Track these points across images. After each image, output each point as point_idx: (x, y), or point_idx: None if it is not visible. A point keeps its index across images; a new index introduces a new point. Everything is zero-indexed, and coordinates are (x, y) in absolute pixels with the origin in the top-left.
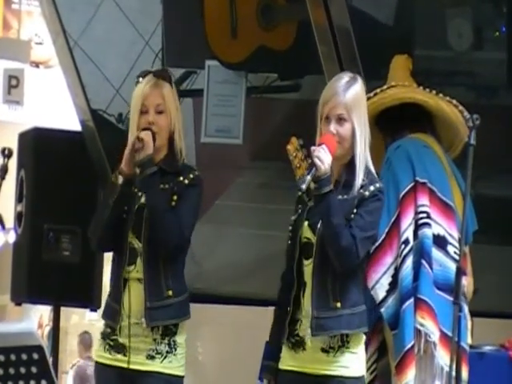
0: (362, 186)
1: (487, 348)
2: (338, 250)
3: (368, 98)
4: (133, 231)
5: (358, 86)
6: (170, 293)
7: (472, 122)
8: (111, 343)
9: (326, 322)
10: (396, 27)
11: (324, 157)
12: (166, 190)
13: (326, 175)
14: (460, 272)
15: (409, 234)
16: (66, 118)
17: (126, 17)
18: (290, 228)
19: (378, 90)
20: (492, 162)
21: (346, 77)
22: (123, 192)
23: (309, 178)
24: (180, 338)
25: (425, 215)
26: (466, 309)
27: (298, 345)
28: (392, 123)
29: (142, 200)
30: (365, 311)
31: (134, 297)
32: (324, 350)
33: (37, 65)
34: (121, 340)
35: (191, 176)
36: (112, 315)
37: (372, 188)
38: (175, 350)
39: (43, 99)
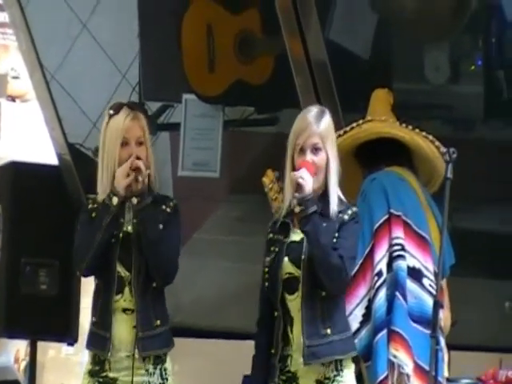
0: (340, 211)
1: (464, 381)
2: (329, 269)
3: (344, 132)
4: (119, 260)
5: (328, 118)
6: (159, 322)
7: (449, 155)
8: (100, 380)
9: (318, 350)
10: (373, 60)
11: (306, 177)
12: None
13: (310, 196)
14: (437, 305)
15: (382, 265)
16: (43, 151)
17: (102, 50)
18: (267, 269)
19: (355, 124)
20: (469, 194)
21: (315, 109)
22: (117, 214)
23: (297, 195)
24: (169, 366)
25: (399, 247)
26: (442, 342)
27: (290, 381)
28: (369, 156)
29: (128, 228)
30: (351, 337)
31: (124, 329)
32: (319, 382)
33: (13, 99)
34: (111, 375)
35: (171, 204)
36: (101, 344)
37: (350, 212)
38: (167, 380)
39: (20, 133)
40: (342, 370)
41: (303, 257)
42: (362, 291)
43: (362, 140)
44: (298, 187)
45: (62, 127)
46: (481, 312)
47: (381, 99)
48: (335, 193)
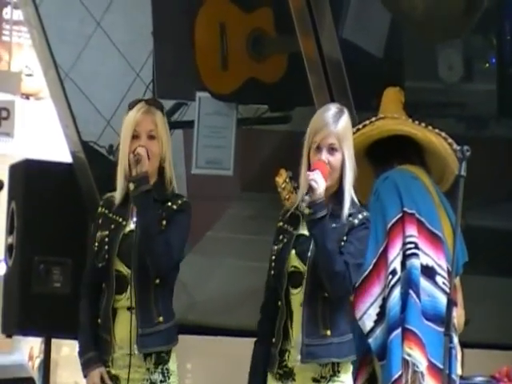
0: (350, 215)
1: (478, 379)
2: (332, 276)
3: (357, 130)
4: (120, 258)
5: (347, 118)
6: (161, 319)
7: (462, 153)
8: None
9: (315, 350)
10: (386, 59)
11: (319, 181)
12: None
13: (320, 200)
14: (451, 303)
15: (396, 264)
16: (57, 149)
17: (116, 48)
18: (273, 258)
19: (367, 122)
20: (482, 192)
21: (334, 108)
22: (120, 213)
23: (307, 197)
24: (172, 366)
25: (413, 245)
26: (455, 340)
27: (287, 376)
28: (381, 154)
29: (129, 227)
30: (352, 340)
31: (125, 327)
32: (315, 380)
33: (27, 97)
34: (113, 372)
35: (179, 202)
36: (104, 347)
37: (360, 216)
38: (168, 378)
39: (34, 131)
40: (338, 371)
41: (309, 254)
42: (376, 290)
43: (375, 138)
44: (310, 189)
45: (76, 125)
46: (494, 310)
47: (392, 98)
48: (349, 195)
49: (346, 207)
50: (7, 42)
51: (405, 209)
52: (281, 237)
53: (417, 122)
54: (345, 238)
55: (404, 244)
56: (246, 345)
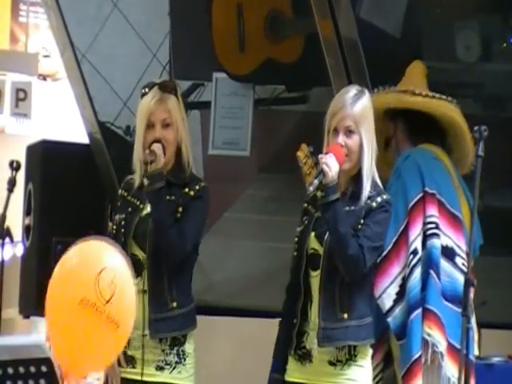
0: (369, 197)
1: (495, 359)
2: (345, 259)
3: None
4: (136, 242)
5: (366, 100)
6: (175, 304)
7: (480, 133)
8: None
9: (332, 333)
10: (404, 39)
11: (332, 164)
12: (171, 202)
13: (332, 183)
14: (468, 284)
15: (417, 244)
16: (74, 130)
17: (133, 29)
18: (296, 239)
19: (403, 88)
20: (500, 173)
21: (353, 90)
22: (136, 197)
23: (316, 181)
24: (189, 348)
25: (433, 225)
26: (473, 320)
27: (305, 357)
28: (407, 128)
29: (146, 211)
30: (371, 323)
31: (140, 309)
32: (331, 363)
33: (44, 78)
34: (129, 352)
35: (197, 187)
36: None
37: (379, 199)
38: (184, 360)
39: (51, 112)
40: (355, 355)
41: (326, 237)
42: (395, 269)
43: (409, 107)
44: (322, 173)
45: (92, 106)
46: (511, 290)
47: (419, 71)
48: (369, 176)
49: (366, 189)
50: (24, 23)
51: (426, 188)
52: (304, 218)
53: (449, 100)
54: (362, 221)
55: (425, 224)
56: (265, 325)
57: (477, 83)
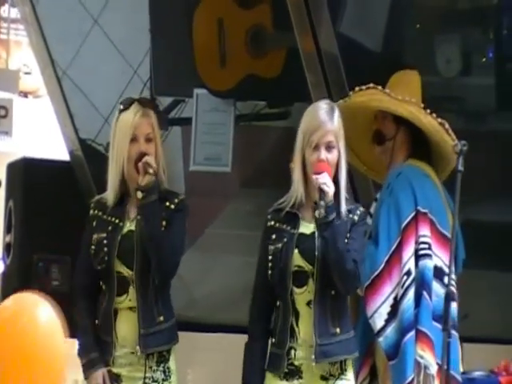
0: (349, 211)
1: (477, 373)
2: (344, 274)
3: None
4: (120, 259)
5: (338, 113)
6: (162, 318)
7: (459, 148)
8: None
9: (327, 349)
10: (384, 54)
11: (329, 183)
12: None
13: (331, 202)
14: (449, 298)
15: (411, 264)
16: (56, 147)
17: (114, 46)
18: (271, 257)
19: (407, 98)
20: (480, 187)
21: (325, 105)
22: (117, 214)
23: (322, 203)
24: (173, 365)
25: (426, 246)
26: (456, 337)
27: (293, 374)
28: (413, 139)
29: (127, 228)
30: (355, 336)
31: (128, 326)
32: (324, 378)
33: (25, 95)
34: (115, 370)
35: (176, 201)
36: (104, 348)
37: (358, 212)
38: (170, 377)
39: (32, 129)
40: (345, 369)
41: (317, 253)
42: (387, 289)
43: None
44: (322, 193)
45: (73, 123)
46: (494, 304)
47: (418, 81)
48: (344, 191)
49: (343, 203)
50: (5, 39)
51: (418, 207)
52: (274, 236)
53: (428, 111)
54: (348, 234)
55: (417, 243)
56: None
57: (457, 97)
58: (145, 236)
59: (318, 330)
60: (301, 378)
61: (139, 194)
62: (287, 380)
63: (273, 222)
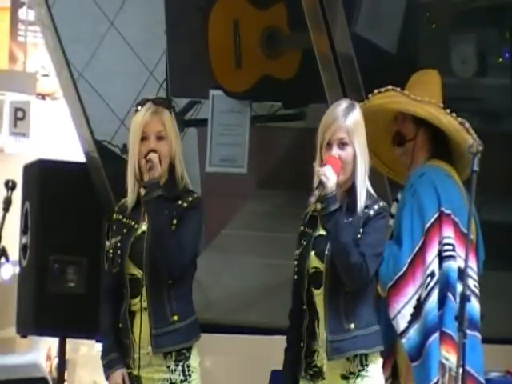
0: (366, 207)
1: (493, 374)
2: (348, 267)
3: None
4: (133, 261)
5: (357, 112)
6: (176, 317)
7: (475, 148)
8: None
9: (340, 345)
10: (399, 54)
11: (330, 175)
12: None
13: (332, 193)
14: (465, 299)
15: (434, 266)
16: (72, 149)
17: (130, 47)
18: (296, 262)
19: (427, 98)
20: (496, 187)
21: (344, 103)
22: (132, 217)
23: (316, 193)
24: (194, 362)
25: (450, 247)
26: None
27: (317, 375)
28: (434, 140)
29: (141, 229)
30: (379, 331)
31: (143, 327)
32: (344, 377)
33: (43, 97)
34: (135, 372)
35: (190, 199)
36: (125, 351)
37: (376, 207)
38: (189, 376)
39: (49, 131)
40: (367, 364)
41: (327, 252)
42: (410, 290)
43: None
44: (320, 184)
45: (89, 125)
46: (509, 305)
47: (438, 81)
48: (363, 188)
49: (361, 199)
50: (22, 42)
51: (442, 208)
52: (302, 241)
53: (448, 111)
54: (361, 230)
55: (441, 245)
56: (263, 342)
57: (473, 97)
58: (150, 232)
59: (330, 327)
60: (323, 378)
61: (142, 191)
62: (314, 382)
63: (302, 227)
